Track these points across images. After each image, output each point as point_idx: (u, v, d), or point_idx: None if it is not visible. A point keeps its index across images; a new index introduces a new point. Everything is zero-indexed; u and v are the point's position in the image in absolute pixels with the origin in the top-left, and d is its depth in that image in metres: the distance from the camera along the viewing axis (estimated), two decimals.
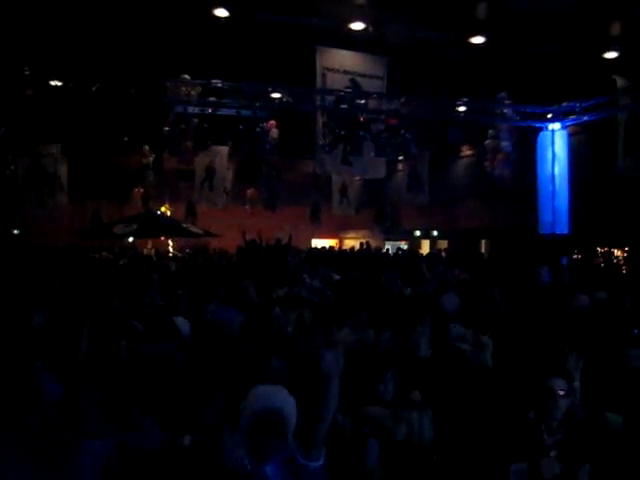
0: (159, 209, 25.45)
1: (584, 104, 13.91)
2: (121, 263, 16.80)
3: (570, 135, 14.64)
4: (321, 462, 3.14)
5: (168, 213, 25.98)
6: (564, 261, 13.45)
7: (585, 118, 14.15)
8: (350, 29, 13.06)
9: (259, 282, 9.45)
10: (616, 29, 12.60)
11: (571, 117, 14.29)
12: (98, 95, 12.14)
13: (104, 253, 20.43)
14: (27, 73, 11.53)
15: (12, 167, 17.58)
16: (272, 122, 14.66)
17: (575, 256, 17.06)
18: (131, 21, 12.33)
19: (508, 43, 13.42)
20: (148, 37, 13.16)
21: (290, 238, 14.15)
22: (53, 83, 11.75)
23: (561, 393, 3.80)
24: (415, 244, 28.59)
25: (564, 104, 14.20)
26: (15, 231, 23.43)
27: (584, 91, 14.03)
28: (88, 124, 17.30)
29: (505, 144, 14.20)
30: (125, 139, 21.18)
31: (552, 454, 3.73)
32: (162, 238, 24.74)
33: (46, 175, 18.57)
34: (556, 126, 14.25)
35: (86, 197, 23.93)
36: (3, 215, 20.02)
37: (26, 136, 17.09)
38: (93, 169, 22.37)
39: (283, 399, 3.21)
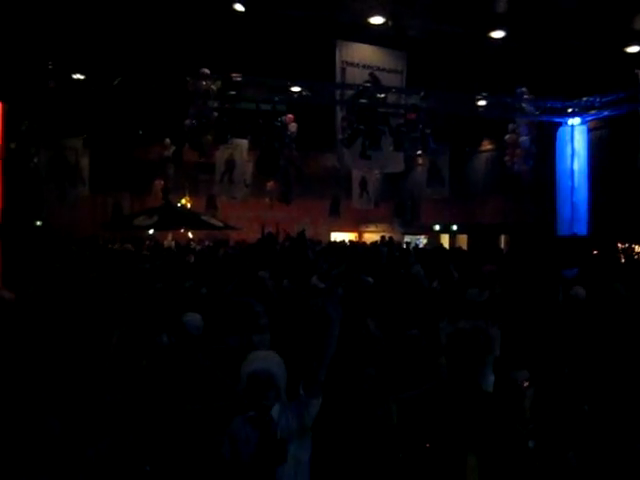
0: (179, 201, 25.62)
1: (604, 99, 13.82)
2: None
3: (590, 130, 14.56)
4: (321, 398, 3.58)
5: (188, 205, 26.13)
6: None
7: (605, 113, 14.05)
8: (370, 23, 13.09)
9: (276, 274, 9.57)
10: (638, 23, 12.50)
11: (591, 112, 14.21)
12: (120, 89, 12.27)
13: (126, 245, 20.63)
14: (50, 67, 11.67)
15: (35, 160, 17.79)
16: (290, 116, 14.70)
17: (595, 252, 16.96)
18: (152, 17, 12.44)
19: (528, 37, 13.35)
20: (169, 32, 13.26)
21: (303, 232, 14.22)
22: (76, 77, 11.89)
23: (525, 384, 3.86)
24: (434, 238, 28.52)
25: (584, 99, 14.12)
26: (38, 222, 23.69)
27: (605, 86, 13.93)
28: (110, 117, 17.45)
29: (523, 139, 14.13)
30: (146, 132, 21.32)
31: (530, 444, 3.76)
32: (182, 230, 24.91)
33: (68, 167, 18.77)
34: (576, 121, 14.18)
35: (107, 189, 24.14)
36: (26, 207, 20.27)
37: (49, 129, 17.27)
38: (114, 162, 22.55)
39: (271, 361, 3.66)
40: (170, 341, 5.86)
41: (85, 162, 19.77)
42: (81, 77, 12.03)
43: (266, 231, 16.09)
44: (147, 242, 22.87)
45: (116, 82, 12.11)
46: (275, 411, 3.60)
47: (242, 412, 3.66)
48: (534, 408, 3.86)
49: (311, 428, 3.67)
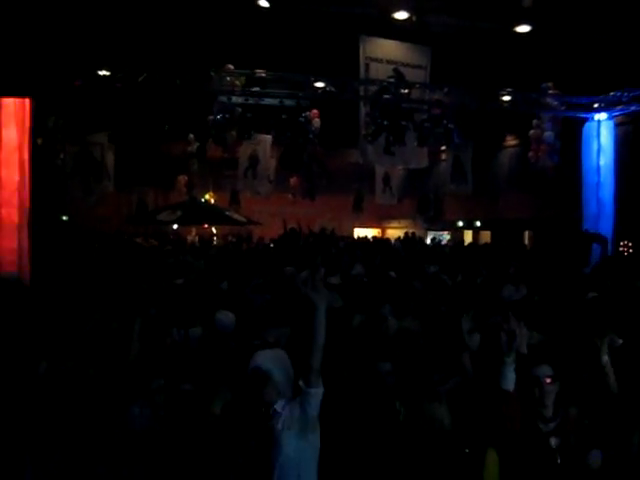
0: (203, 197, 25.76)
1: (631, 94, 13.65)
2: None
3: (616, 125, 14.41)
4: (322, 388, 3.59)
5: (212, 201, 26.27)
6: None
7: (632, 108, 13.89)
8: (393, 18, 13.06)
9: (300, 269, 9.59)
10: None
11: (618, 107, 14.05)
12: (144, 85, 12.35)
13: (151, 240, 20.81)
14: (76, 64, 11.78)
15: (61, 156, 17.96)
16: (314, 111, 14.71)
17: (622, 249, 16.79)
18: (177, 13, 12.51)
19: (554, 32, 13.24)
20: (193, 28, 13.33)
21: (324, 230, 14.27)
22: (101, 73, 12.00)
23: (547, 381, 3.83)
24: (457, 235, 28.41)
25: (611, 94, 13.96)
26: (63, 217, 23.94)
27: (631, 80, 13.77)
28: (135, 113, 17.58)
29: (548, 134, 14.01)
30: (170, 128, 21.46)
31: (553, 442, 3.74)
32: (205, 225, 25.04)
33: (94, 163, 18.91)
34: (602, 116, 14.03)
35: (132, 185, 24.31)
36: (52, 202, 20.48)
37: (75, 125, 17.44)
38: (139, 157, 22.72)
39: (271, 358, 3.83)
40: (180, 336, 5.96)
41: (110, 158, 19.93)
42: (107, 73, 12.13)
43: (288, 227, 16.10)
44: (171, 237, 23.06)
45: (141, 78, 12.19)
46: (279, 406, 3.70)
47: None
48: (557, 405, 3.83)
49: (320, 420, 3.70)
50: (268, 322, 6.06)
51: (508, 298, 7.37)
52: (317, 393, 3.58)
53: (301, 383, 3.60)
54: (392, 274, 9.81)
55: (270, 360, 3.80)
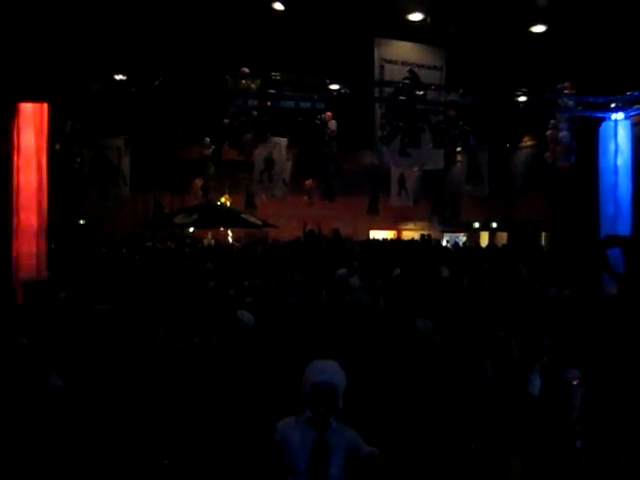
0: (219, 200, 25.85)
1: None
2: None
3: (633, 125, 14.29)
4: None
5: (228, 204, 26.36)
6: None
7: None
8: (408, 20, 13.05)
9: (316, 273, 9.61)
10: None
11: (635, 107, 13.93)
12: (160, 89, 12.41)
13: (169, 243, 20.93)
14: (93, 69, 11.86)
15: (78, 160, 18.11)
16: (330, 114, 14.72)
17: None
18: (192, 17, 12.57)
19: (569, 32, 13.18)
20: (209, 31, 13.38)
21: (336, 233, 14.32)
22: (118, 77, 12.06)
23: (575, 383, 3.81)
24: (474, 236, 28.32)
25: (628, 93, 13.85)
26: (81, 221, 24.13)
27: None
28: (151, 117, 17.67)
29: (563, 134, 13.92)
30: (186, 131, 21.55)
31: (578, 444, 3.72)
32: (221, 228, 25.13)
33: (110, 167, 19.08)
34: (619, 116, 13.90)
35: (148, 188, 24.48)
36: (70, 206, 20.64)
37: (92, 129, 17.56)
38: (155, 161, 22.86)
39: (335, 372, 3.73)
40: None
41: (127, 162, 20.08)
42: (123, 78, 12.19)
43: (307, 229, 16.13)
44: (187, 240, 23.16)
45: (157, 82, 12.25)
46: (332, 421, 3.69)
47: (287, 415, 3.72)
48: (584, 408, 3.80)
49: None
50: (294, 321, 6.09)
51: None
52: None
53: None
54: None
55: (335, 375, 3.74)
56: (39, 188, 10.40)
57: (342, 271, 9.27)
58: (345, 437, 3.67)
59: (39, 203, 10.42)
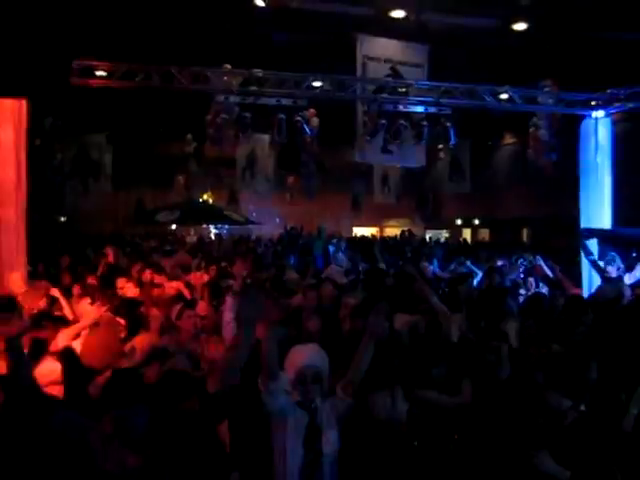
0: (201, 196, 25.76)
1: (629, 91, 13.60)
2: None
3: (614, 123, 14.37)
4: (352, 400, 3.85)
5: (210, 200, 26.27)
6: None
7: (630, 105, 13.84)
8: (391, 17, 13.04)
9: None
10: None
11: (615, 104, 14.00)
12: (141, 85, 12.31)
13: (151, 240, 20.81)
14: (73, 64, 11.76)
15: (59, 156, 17.95)
16: (312, 110, 14.68)
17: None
18: (173, 13, 12.50)
19: (551, 29, 13.22)
20: (190, 28, 13.30)
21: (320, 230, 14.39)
22: (98, 74, 11.96)
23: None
24: (456, 233, 28.44)
25: (608, 91, 13.92)
26: (62, 218, 23.93)
27: (629, 78, 13.73)
28: (132, 114, 17.56)
29: (542, 132, 13.98)
30: (167, 128, 21.45)
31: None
32: (204, 225, 25.05)
33: (91, 163, 18.97)
34: (600, 114, 13.97)
35: (130, 185, 24.31)
36: (50, 203, 20.46)
37: (72, 126, 17.43)
38: (137, 157, 22.71)
39: (318, 356, 3.93)
40: None
41: (108, 158, 19.97)
42: (104, 74, 12.09)
43: (288, 226, 16.13)
44: (169, 237, 23.05)
45: (138, 79, 12.15)
46: (317, 402, 3.85)
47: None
48: None
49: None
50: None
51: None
52: (349, 404, 3.89)
53: (341, 393, 3.87)
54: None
55: (319, 358, 3.92)
56: (18, 184, 10.26)
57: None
58: (336, 410, 3.86)
59: (18, 199, 10.28)
